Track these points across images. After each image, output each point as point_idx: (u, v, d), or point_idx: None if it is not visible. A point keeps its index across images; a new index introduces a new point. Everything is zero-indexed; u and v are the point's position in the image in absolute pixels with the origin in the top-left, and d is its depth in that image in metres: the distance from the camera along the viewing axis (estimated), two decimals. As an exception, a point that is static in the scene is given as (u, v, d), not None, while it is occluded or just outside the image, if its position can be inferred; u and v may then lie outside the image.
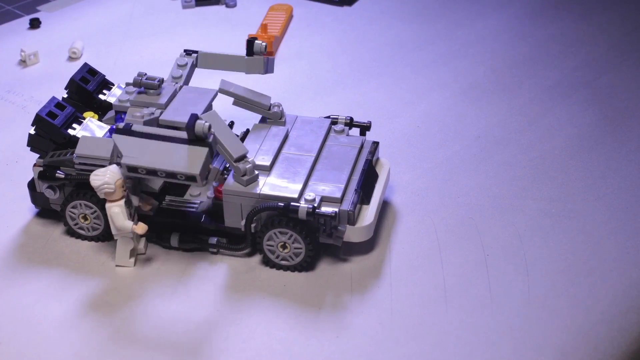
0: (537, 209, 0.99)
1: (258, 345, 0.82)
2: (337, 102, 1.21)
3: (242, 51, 1.35)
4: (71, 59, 1.34)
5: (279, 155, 0.94)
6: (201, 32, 1.42)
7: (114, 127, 0.95)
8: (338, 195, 0.88)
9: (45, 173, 0.93)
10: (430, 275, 0.90)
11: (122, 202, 0.88)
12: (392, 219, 0.98)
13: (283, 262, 0.90)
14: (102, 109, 1.02)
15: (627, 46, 1.35)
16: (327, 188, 0.90)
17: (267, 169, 0.91)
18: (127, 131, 0.88)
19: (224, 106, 1.00)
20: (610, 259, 0.91)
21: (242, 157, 0.89)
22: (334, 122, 1.00)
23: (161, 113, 0.93)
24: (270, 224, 0.88)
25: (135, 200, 0.90)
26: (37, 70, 1.32)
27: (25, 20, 1.46)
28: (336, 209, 0.87)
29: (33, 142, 0.94)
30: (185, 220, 0.92)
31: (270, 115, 0.98)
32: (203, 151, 0.86)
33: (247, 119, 1.02)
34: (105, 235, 0.94)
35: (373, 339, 0.82)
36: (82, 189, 0.92)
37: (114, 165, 0.88)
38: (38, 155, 0.95)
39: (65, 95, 1.02)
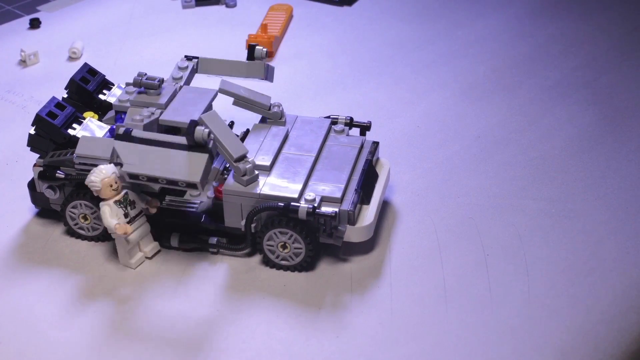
0: (537, 209, 0.99)
1: (258, 345, 0.82)
2: (337, 102, 1.21)
3: (242, 51, 1.36)
4: (71, 59, 1.34)
5: (279, 155, 0.94)
6: (201, 32, 1.42)
7: (114, 127, 0.95)
8: (338, 195, 0.88)
9: (45, 173, 0.93)
10: (430, 275, 0.90)
11: (111, 201, 0.88)
12: (392, 219, 0.98)
13: (283, 262, 0.90)
14: (102, 109, 1.02)
15: (627, 46, 1.35)
16: (327, 188, 0.90)
17: (267, 169, 0.91)
18: (127, 137, 0.88)
19: (224, 106, 1.00)
20: (610, 259, 0.91)
21: (242, 157, 0.89)
22: (334, 122, 1.00)
23: (161, 113, 0.93)
24: (270, 224, 0.88)
25: (139, 201, 0.90)
26: (37, 70, 1.32)
27: (25, 20, 1.46)
28: (336, 209, 0.87)
29: (33, 142, 0.94)
30: (185, 220, 0.92)
31: (270, 115, 0.98)
32: (203, 157, 0.86)
33: (247, 119, 1.02)
34: (105, 235, 0.94)
35: (373, 339, 0.82)
36: (82, 189, 0.92)
37: (107, 165, 0.88)
38: (38, 155, 0.95)
39: (65, 95, 1.02)
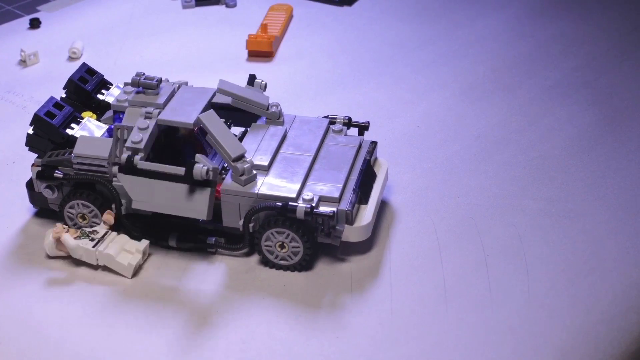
0: (537, 209, 0.99)
1: (258, 345, 0.82)
2: (337, 102, 1.21)
3: (242, 51, 1.36)
4: (71, 59, 1.34)
5: (277, 155, 0.94)
6: (201, 32, 1.42)
7: (112, 126, 0.95)
8: (336, 195, 0.88)
9: (44, 173, 0.93)
10: (430, 275, 0.90)
11: (74, 242, 0.89)
12: (391, 219, 0.98)
13: (282, 262, 0.90)
14: (100, 109, 1.02)
15: (627, 46, 1.35)
16: (325, 188, 0.89)
17: (265, 169, 0.91)
18: (131, 169, 0.89)
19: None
20: (610, 259, 0.91)
21: (240, 157, 0.89)
22: (332, 122, 1.00)
23: (159, 113, 0.92)
24: (268, 224, 0.88)
25: (98, 223, 0.93)
26: (37, 70, 1.32)
27: (25, 20, 1.46)
28: (334, 209, 0.87)
29: (31, 142, 0.94)
30: (183, 219, 0.92)
31: (269, 115, 0.98)
32: (207, 192, 0.87)
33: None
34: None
35: (373, 339, 0.82)
36: (80, 188, 0.92)
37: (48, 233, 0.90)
38: (37, 155, 0.95)
39: (64, 95, 1.02)
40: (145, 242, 0.91)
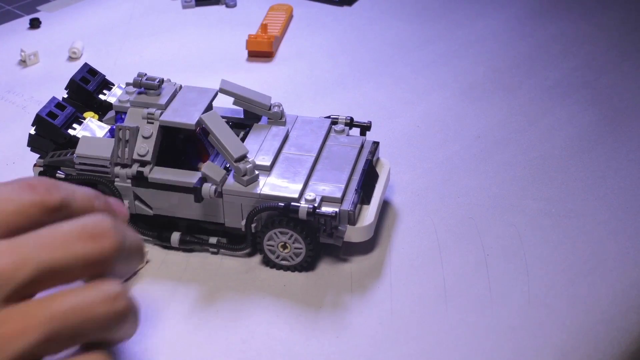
0: (537, 209, 0.99)
1: (258, 345, 0.82)
2: (337, 102, 1.21)
3: (242, 52, 1.36)
4: (71, 59, 1.34)
5: (279, 155, 0.94)
6: (201, 32, 1.42)
7: (114, 127, 0.95)
8: (338, 195, 0.88)
9: (46, 173, 0.93)
10: (430, 275, 0.90)
11: None
12: (392, 219, 0.98)
13: (283, 262, 0.90)
14: (102, 109, 1.02)
15: (627, 46, 1.35)
16: (327, 188, 0.90)
17: (268, 169, 0.91)
18: (143, 182, 0.90)
19: (224, 106, 1.00)
20: (610, 259, 0.91)
21: (243, 157, 0.89)
22: (334, 122, 1.00)
23: (161, 113, 0.93)
24: (271, 224, 0.88)
25: None
26: (37, 70, 1.32)
27: (25, 20, 1.46)
28: (336, 209, 0.87)
29: (33, 142, 0.94)
30: (185, 219, 0.92)
31: (271, 115, 0.98)
32: (219, 201, 0.89)
33: (247, 119, 1.02)
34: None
35: (373, 339, 0.82)
36: (82, 189, 0.92)
37: None
38: (38, 156, 0.95)
39: (66, 96, 1.02)
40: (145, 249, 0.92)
